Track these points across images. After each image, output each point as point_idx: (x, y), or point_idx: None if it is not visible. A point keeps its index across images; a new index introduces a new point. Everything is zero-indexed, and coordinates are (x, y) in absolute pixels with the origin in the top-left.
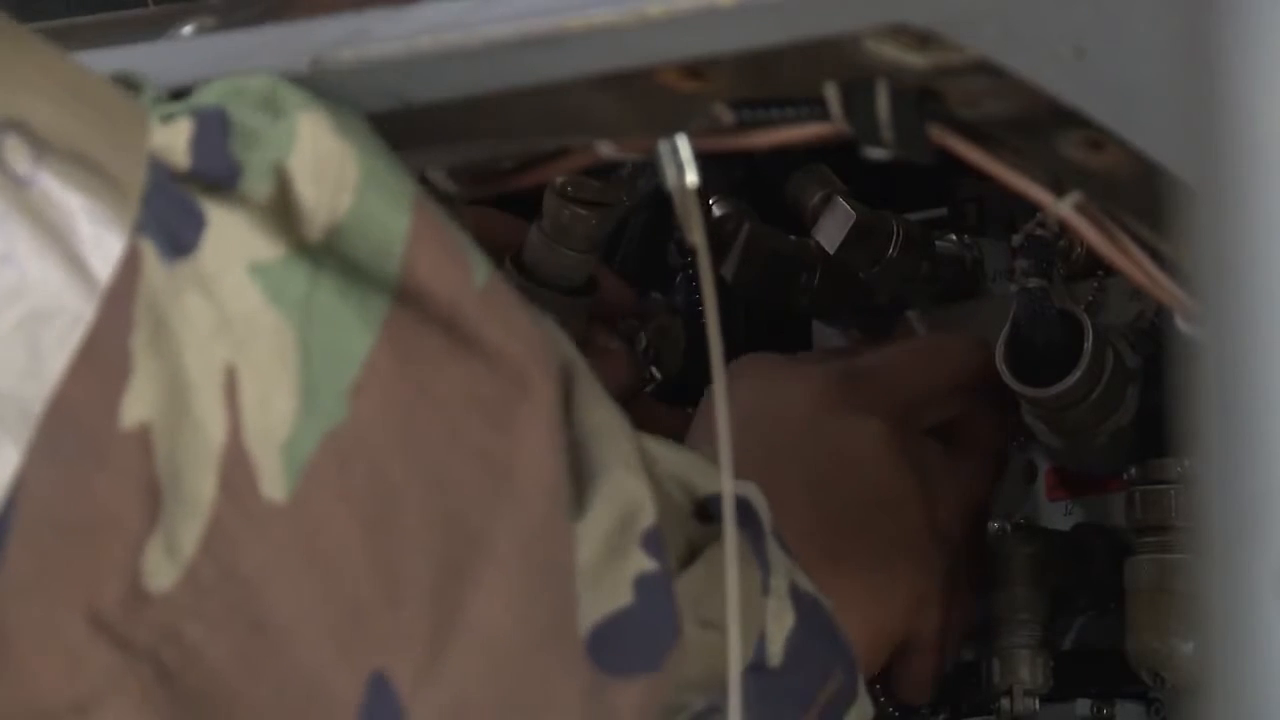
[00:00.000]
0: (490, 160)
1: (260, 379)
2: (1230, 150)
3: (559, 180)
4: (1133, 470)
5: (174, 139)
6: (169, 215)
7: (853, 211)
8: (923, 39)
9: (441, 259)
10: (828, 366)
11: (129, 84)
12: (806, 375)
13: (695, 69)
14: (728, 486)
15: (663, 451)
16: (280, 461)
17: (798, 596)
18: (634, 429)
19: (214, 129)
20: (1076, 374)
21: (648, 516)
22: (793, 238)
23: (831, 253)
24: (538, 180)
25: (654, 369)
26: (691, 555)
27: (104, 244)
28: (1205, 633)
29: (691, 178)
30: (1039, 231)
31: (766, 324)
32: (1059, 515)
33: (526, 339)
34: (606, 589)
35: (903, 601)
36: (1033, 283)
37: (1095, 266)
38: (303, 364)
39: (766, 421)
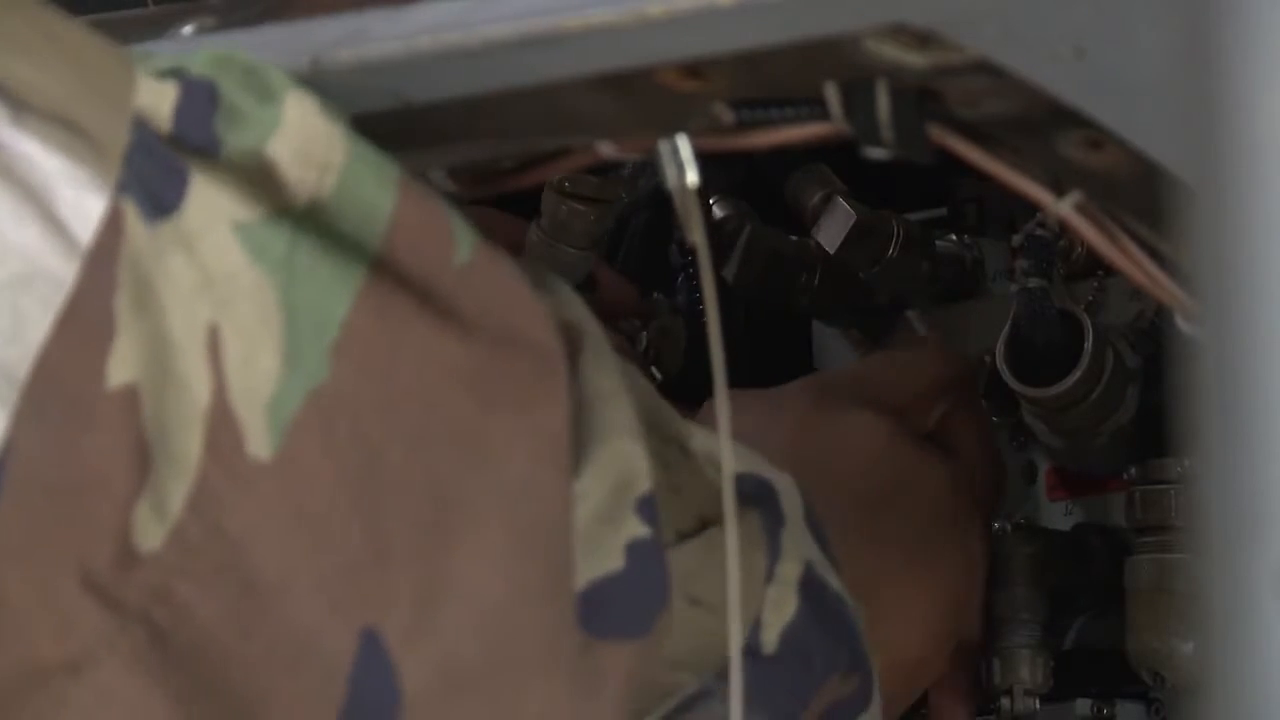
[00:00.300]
0: (490, 160)
1: (243, 338)
2: (1230, 150)
3: (557, 177)
4: (1133, 470)
5: (159, 101)
6: (151, 174)
7: (853, 211)
8: (923, 39)
9: (422, 238)
10: (802, 384)
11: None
12: (784, 397)
13: (695, 69)
14: (729, 472)
15: (701, 431)
16: (265, 420)
17: (809, 588)
18: (651, 396)
19: (201, 100)
20: (1077, 374)
21: (644, 483)
22: (793, 238)
23: (831, 253)
24: (538, 180)
25: (655, 369)
26: (700, 532)
27: (84, 206)
28: (1205, 633)
29: (692, 178)
30: (1039, 231)
31: (766, 324)
32: (1059, 515)
33: (517, 309)
34: (598, 552)
35: (959, 574)
36: (1033, 283)
37: (1095, 266)
38: (285, 322)
39: (759, 446)
